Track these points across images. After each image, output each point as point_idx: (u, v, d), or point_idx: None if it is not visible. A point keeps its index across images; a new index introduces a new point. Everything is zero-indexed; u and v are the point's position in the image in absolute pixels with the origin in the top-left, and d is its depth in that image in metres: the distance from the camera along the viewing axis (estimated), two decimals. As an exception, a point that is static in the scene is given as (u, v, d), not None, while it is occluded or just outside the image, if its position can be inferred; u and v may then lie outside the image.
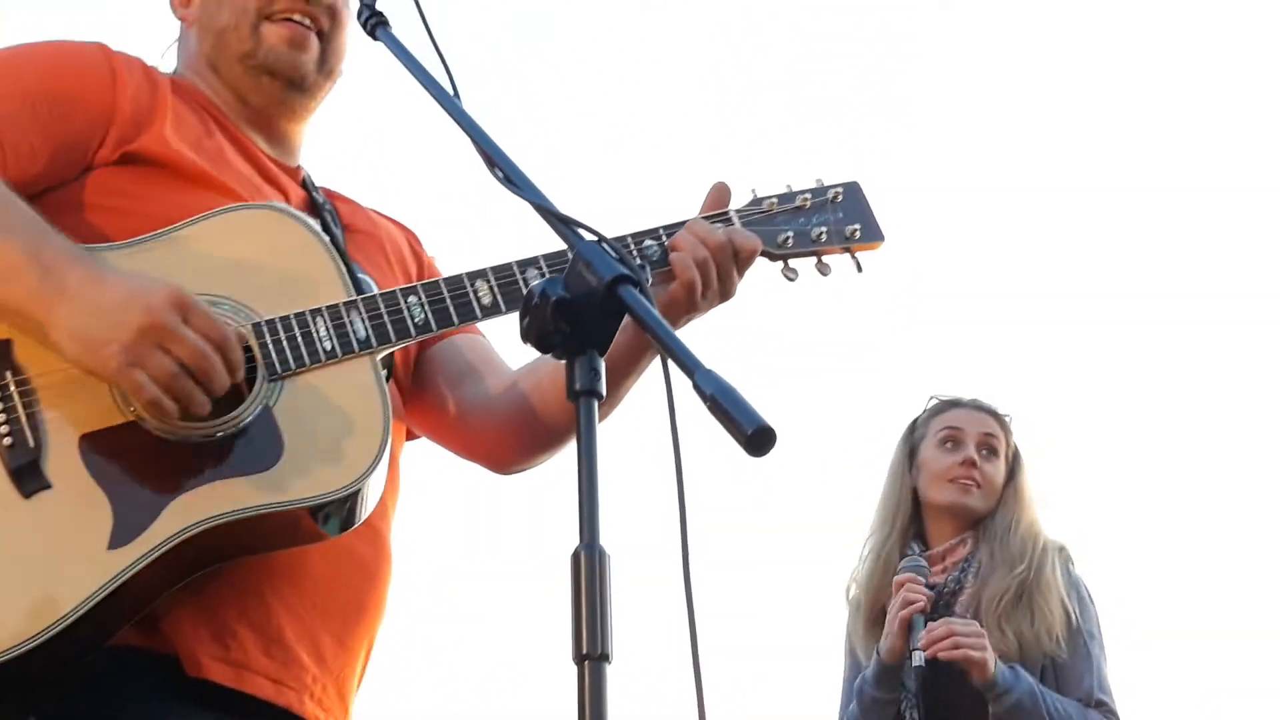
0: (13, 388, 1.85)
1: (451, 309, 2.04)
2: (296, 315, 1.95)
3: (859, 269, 2.29)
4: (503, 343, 2.40)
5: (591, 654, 1.48)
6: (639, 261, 2.12)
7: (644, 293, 1.66)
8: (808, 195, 2.28)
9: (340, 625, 2.02)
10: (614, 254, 1.70)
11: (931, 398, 4.10)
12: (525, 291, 1.81)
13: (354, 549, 2.00)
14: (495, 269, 2.08)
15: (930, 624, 3.55)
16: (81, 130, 2.06)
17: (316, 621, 1.98)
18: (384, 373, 2.01)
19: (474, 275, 2.07)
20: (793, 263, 2.25)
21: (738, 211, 2.24)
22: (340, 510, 1.89)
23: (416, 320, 2.01)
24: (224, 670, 1.88)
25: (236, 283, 1.95)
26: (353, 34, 2.30)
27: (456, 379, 2.30)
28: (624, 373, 2.18)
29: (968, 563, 3.79)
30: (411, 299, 2.02)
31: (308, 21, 2.26)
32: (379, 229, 2.37)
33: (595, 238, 1.73)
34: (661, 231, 2.18)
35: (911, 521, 3.91)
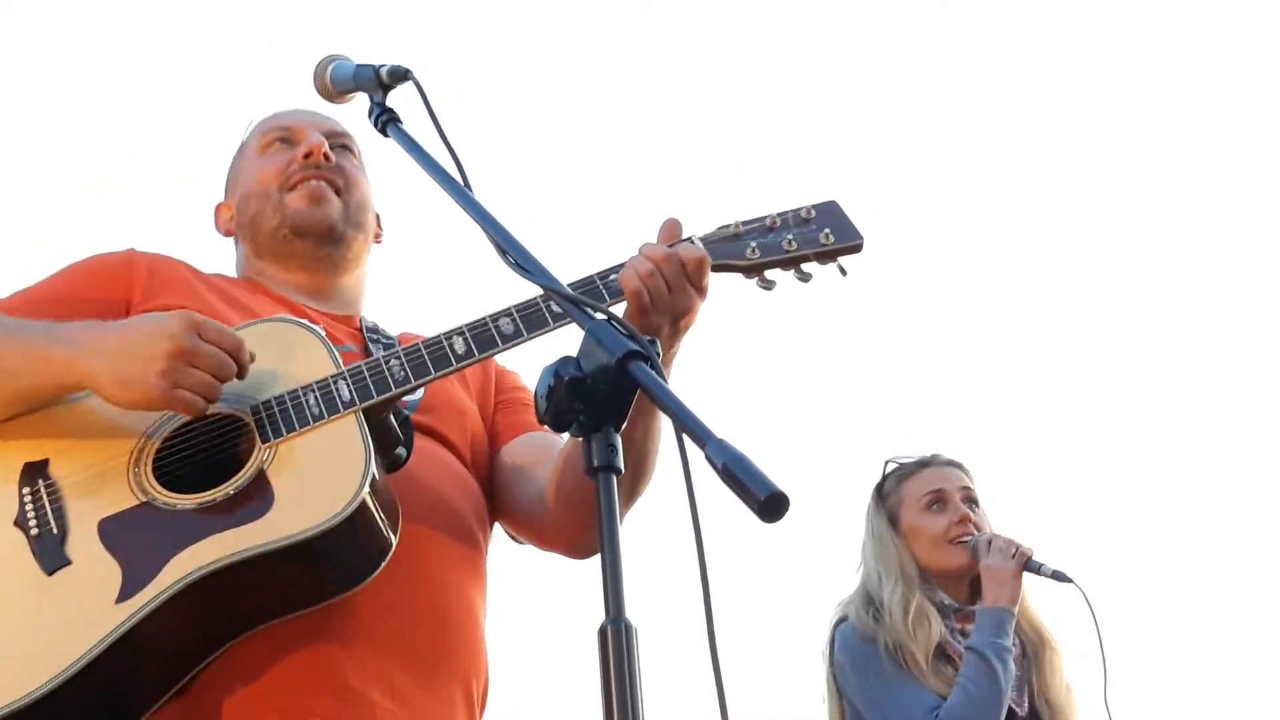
0: (43, 492, 2.07)
1: (428, 361, 2.16)
2: (289, 392, 2.12)
3: (843, 273, 2.28)
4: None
5: (625, 727, 1.50)
6: (608, 298, 2.19)
7: (654, 367, 1.70)
8: (776, 217, 2.30)
9: (418, 667, 2.11)
10: (623, 330, 1.74)
11: (889, 462, 4.15)
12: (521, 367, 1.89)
13: (419, 601, 2.12)
14: (469, 324, 2.18)
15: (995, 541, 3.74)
16: (101, 308, 2.26)
17: (386, 665, 2.07)
18: (376, 439, 2.11)
19: (450, 332, 2.19)
20: (768, 274, 2.27)
21: (701, 237, 2.28)
22: (339, 552, 1.99)
23: (396, 377, 2.14)
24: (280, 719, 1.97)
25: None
26: (374, 195, 2.57)
27: (517, 481, 2.40)
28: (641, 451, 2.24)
29: None
30: (393, 362, 2.15)
31: (322, 183, 2.50)
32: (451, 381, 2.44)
33: (604, 316, 1.77)
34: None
35: (921, 579, 3.93)
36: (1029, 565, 3.80)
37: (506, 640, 2.38)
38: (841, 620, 3.95)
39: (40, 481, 2.07)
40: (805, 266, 2.27)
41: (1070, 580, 3.82)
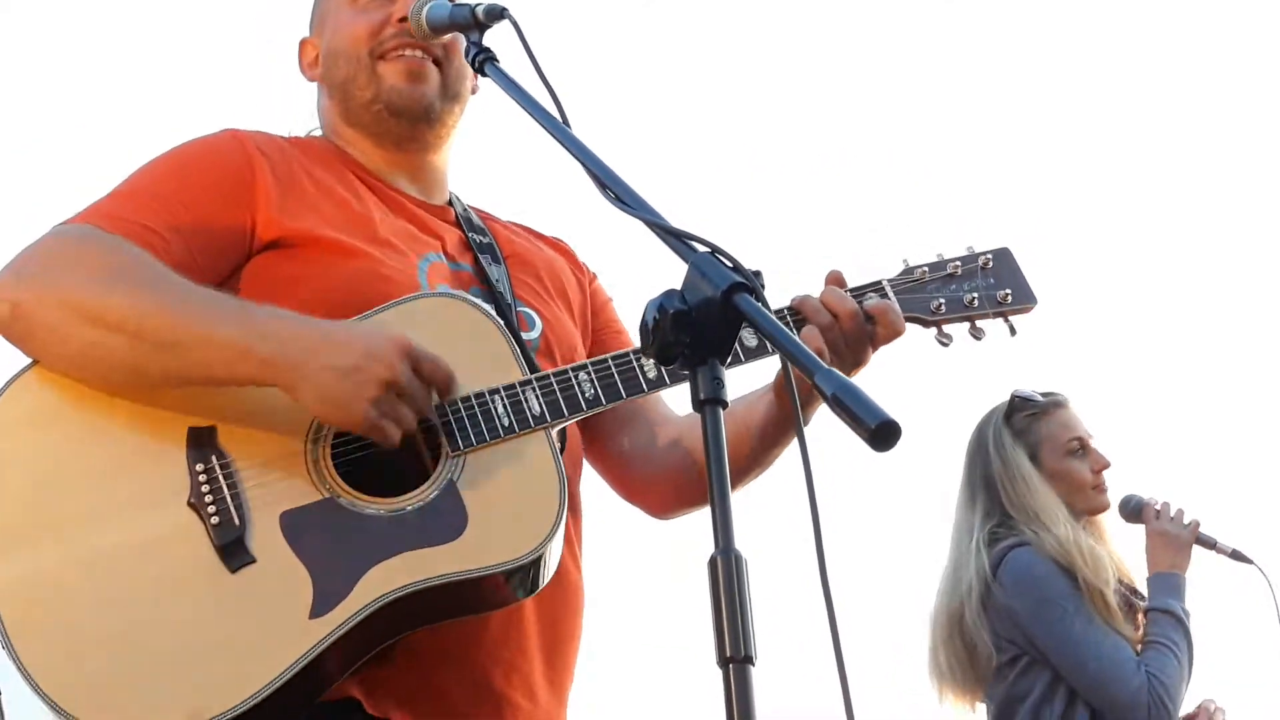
0: (218, 470, 1.98)
1: (619, 384, 2.13)
2: (476, 395, 2.06)
3: (1012, 332, 2.34)
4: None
5: (735, 657, 1.51)
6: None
7: (759, 299, 1.69)
8: (958, 263, 2.34)
9: (547, 663, 2.13)
10: (729, 263, 1.73)
11: (1016, 396, 4.08)
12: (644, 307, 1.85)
13: (550, 593, 2.08)
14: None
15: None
16: (227, 238, 2.15)
17: (525, 665, 2.09)
18: (559, 445, 2.09)
19: (639, 351, 2.14)
20: (946, 328, 2.31)
21: (890, 281, 2.30)
22: (525, 576, 1.99)
23: (587, 395, 2.10)
24: None
25: None
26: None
27: (623, 426, 2.38)
28: (773, 442, 2.23)
29: None
30: (582, 375, 2.11)
31: (419, 54, 2.31)
32: (536, 255, 2.43)
33: (708, 249, 1.76)
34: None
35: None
36: (1202, 539, 3.75)
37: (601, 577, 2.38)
38: (1016, 545, 3.86)
39: (214, 458, 1.99)
40: (980, 323, 2.33)
41: (1250, 561, 3.76)
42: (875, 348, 2.21)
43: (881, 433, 1.52)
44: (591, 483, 2.42)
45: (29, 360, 2.05)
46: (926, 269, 2.32)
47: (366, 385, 1.91)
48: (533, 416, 2.05)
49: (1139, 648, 3.67)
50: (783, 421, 2.22)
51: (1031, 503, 3.88)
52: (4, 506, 1.96)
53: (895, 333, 2.20)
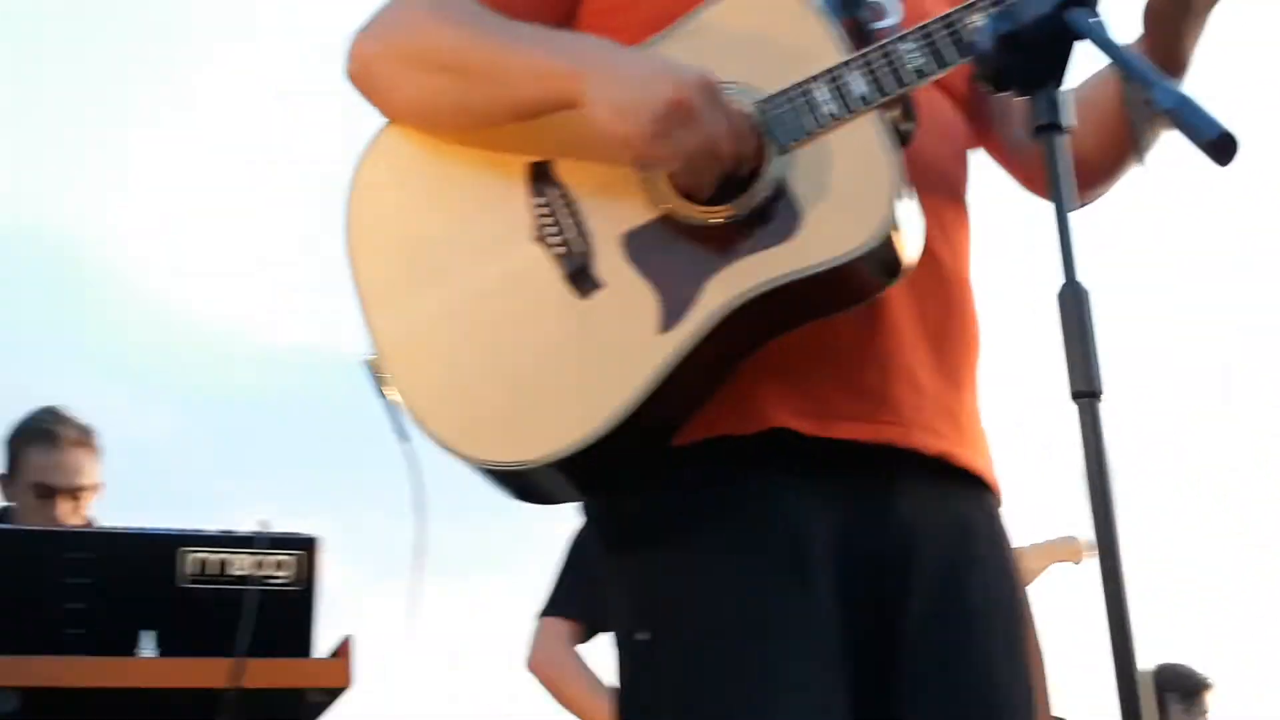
0: (558, 201, 2.03)
1: (949, 47, 1.95)
2: (797, 86, 1.97)
3: None
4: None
5: (1084, 391, 1.54)
6: None
7: (1094, 13, 1.63)
8: None
9: (932, 351, 2.08)
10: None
11: None
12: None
13: (921, 284, 2.04)
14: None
15: None
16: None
17: (902, 356, 2.05)
18: (892, 130, 1.99)
19: (964, 9, 1.97)
20: None
21: None
22: (876, 264, 1.94)
23: (915, 66, 1.96)
24: (808, 423, 1.98)
25: (738, 65, 1.99)
26: None
27: (1009, 113, 2.28)
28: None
29: None
30: (905, 45, 1.96)
31: None
32: None
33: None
34: None
35: None
36: None
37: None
38: None
39: (552, 190, 2.04)
40: None
41: None
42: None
43: (1221, 144, 1.52)
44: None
45: (384, 121, 2.17)
46: None
47: (654, 99, 1.87)
48: (858, 98, 1.96)
49: None
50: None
51: None
52: (377, 262, 2.10)
53: None
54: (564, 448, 1.91)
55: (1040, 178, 2.12)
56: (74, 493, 4.38)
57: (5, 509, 4.49)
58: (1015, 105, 2.22)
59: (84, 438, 4.46)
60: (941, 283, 2.12)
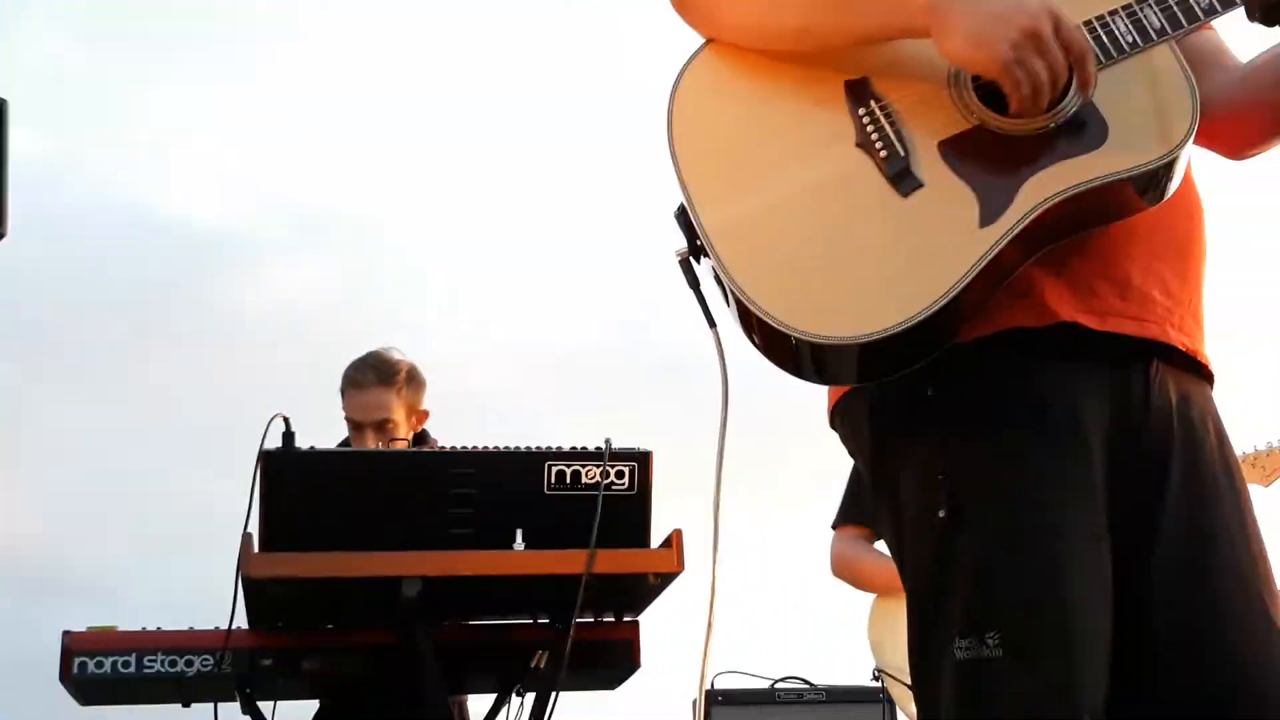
0: (878, 112, 2.22)
1: None
2: (1098, 18, 2.22)
3: None
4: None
5: None
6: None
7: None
8: None
9: (1178, 263, 2.30)
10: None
11: None
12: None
13: (1173, 203, 2.24)
14: None
15: None
16: None
17: (1157, 264, 2.27)
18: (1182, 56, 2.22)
19: None
20: None
21: None
22: (1158, 178, 2.15)
23: (1203, 5, 2.22)
24: (1091, 318, 2.18)
25: None
26: None
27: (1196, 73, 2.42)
28: None
29: None
30: None
31: None
32: None
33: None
34: None
35: None
36: None
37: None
38: None
39: (872, 102, 2.21)
40: None
41: None
42: None
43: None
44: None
45: (702, 40, 2.36)
46: None
47: (1011, 29, 2.06)
48: (1154, 30, 2.19)
49: None
50: None
51: None
52: (708, 162, 2.25)
53: None
54: (889, 326, 2.05)
55: (1218, 133, 2.41)
56: (379, 425, 5.00)
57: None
58: (1197, 64, 2.36)
59: (384, 378, 5.05)
60: (1186, 207, 2.34)
